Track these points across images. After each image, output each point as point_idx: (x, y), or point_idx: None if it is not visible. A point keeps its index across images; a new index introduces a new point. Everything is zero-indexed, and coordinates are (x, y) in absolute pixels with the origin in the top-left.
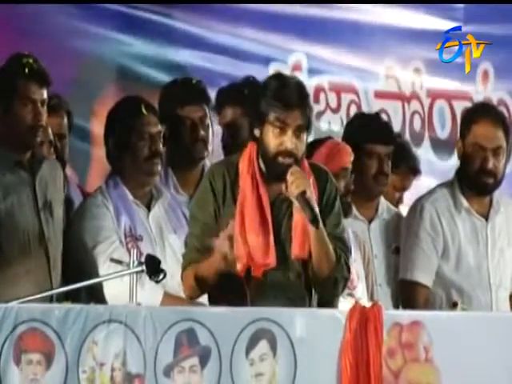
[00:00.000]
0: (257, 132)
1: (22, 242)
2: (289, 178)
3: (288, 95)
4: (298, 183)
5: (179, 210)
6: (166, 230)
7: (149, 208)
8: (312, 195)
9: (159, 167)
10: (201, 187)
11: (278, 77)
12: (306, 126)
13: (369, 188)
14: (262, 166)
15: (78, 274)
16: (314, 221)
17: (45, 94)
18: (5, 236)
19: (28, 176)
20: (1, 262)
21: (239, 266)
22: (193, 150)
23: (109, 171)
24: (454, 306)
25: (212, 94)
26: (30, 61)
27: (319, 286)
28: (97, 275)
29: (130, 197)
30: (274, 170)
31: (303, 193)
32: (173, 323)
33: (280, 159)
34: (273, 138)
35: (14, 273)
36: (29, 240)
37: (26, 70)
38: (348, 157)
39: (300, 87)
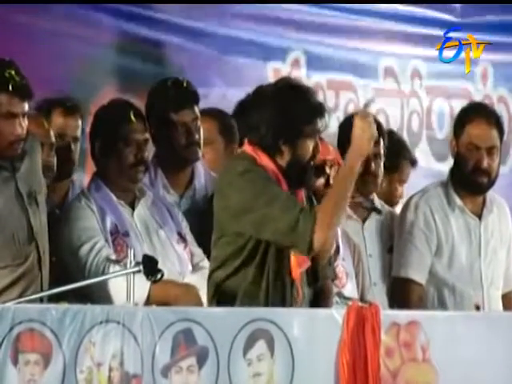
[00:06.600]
0: (285, 146)
1: (13, 246)
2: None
3: (322, 105)
4: None
5: (164, 208)
6: (151, 226)
7: (133, 207)
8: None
9: (143, 174)
10: (252, 177)
11: (296, 84)
12: None
13: (356, 188)
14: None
15: (64, 274)
16: None
17: (26, 107)
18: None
19: (9, 174)
20: None
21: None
22: (187, 153)
23: (92, 174)
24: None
25: (203, 93)
26: (13, 73)
27: (321, 270)
28: (82, 275)
29: (114, 198)
30: (305, 178)
31: None
32: (170, 323)
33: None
34: (308, 150)
35: (11, 279)
36: (19, 242)
37: (10, 87)
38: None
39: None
